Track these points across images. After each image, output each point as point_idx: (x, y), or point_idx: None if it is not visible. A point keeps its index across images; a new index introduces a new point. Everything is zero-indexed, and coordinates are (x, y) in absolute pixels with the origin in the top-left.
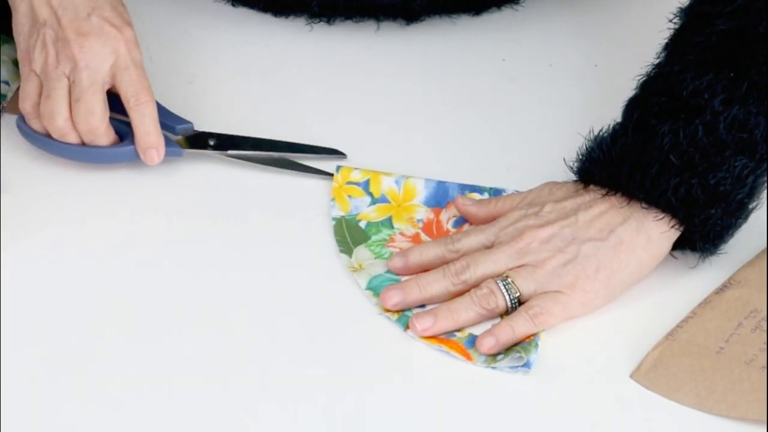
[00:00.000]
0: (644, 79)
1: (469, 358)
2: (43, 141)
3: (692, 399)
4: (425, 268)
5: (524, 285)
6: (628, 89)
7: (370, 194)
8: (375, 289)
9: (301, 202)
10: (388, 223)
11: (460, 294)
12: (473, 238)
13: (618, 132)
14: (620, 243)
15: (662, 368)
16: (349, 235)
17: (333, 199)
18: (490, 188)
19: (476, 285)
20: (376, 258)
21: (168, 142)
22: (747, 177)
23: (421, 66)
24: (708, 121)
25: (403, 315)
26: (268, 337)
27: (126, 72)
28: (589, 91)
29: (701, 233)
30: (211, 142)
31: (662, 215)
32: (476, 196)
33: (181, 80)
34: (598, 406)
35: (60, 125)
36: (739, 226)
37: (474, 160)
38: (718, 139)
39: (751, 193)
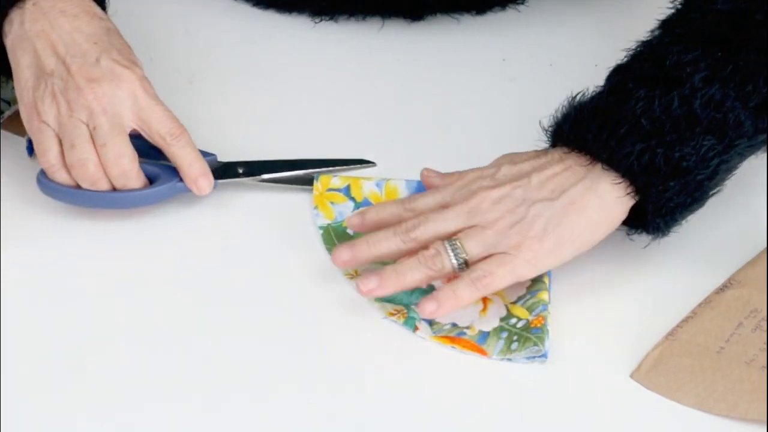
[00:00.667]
0: (632, 50)
1: (483, 353)
2: (72, 193)
3: (692, 399)
4: (382, 227)
5: (471, 246)
6: None
7: (353, 199)
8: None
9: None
10: None
11: (411, 253)
12: (429, 199)
13: (594, 95)
14: (571, 203)
15: (662, 368)
16: (339, 242)
17: (316, 207)
18: None
19: (426, 245)
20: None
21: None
22: (712, 158)
23: (422, 65)
24: (685, 95)
25: (409, 318)
26: (278, 349)
27: (151, 111)
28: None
29: (655, 205)
30: (240, 170)
31: (620, 180)
32: None
33: (181, 80)
34: (598, 406)
35: (91, 172)
36: (694, 209)
37: (473, 160)
38: (692, 114)
39: (713, 177)
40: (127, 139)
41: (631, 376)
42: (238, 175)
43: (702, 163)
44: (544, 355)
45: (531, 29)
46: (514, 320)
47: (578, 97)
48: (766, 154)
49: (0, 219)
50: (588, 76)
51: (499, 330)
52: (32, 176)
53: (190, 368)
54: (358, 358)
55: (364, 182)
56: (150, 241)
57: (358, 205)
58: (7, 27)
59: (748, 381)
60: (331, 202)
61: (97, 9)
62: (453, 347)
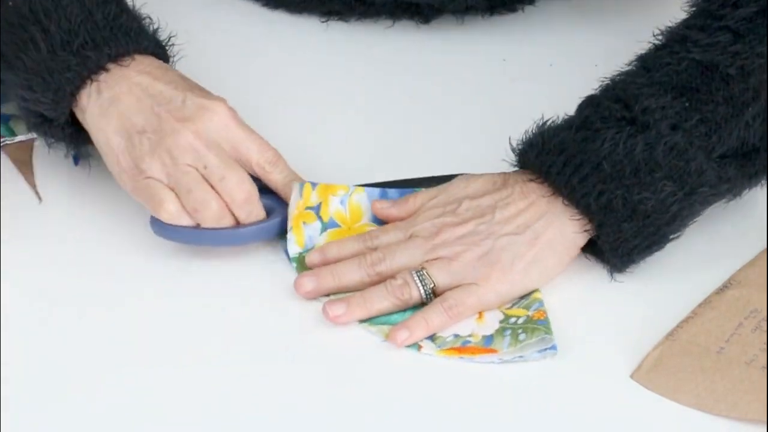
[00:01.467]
0: (607, 82)
1: (493, 351)
2: (194, 234)
3: (692, 399)
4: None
5: (439, 276)
6: None
7: (320, 219)
8: (373, 321)
9: None
10: None
11: (374, 284)
12: (391, 235)
13: (563, 125)
14: (536, 237)
15: (662, 368)
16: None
17: (291, 229)
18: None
19: (391, 276)
20: None
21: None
22: (671, 205)
23: (424, 66)
24: (650, 141)
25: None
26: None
27: (249, 141)
28: (590, 92)
29: (611, 245)
30: None
31: (579, 216)
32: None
33: None
34: (598, 406)
35: (215, 210)
36: (652, 251)
37: (474, 159)
38: (653, 160)
39: (671, 222)
40: (239, 166)
41: (631, 376)
42: None
43: (660, 207)
44: (554, 347)
45: (529, 30)
46: (513, 319)
47: (549, 123)
48: (765, 155)
49: (0, 219)
50: (588, 76)
51: (501, 330)
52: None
53: (191, 368)
54: (363, 378)
55: (332, 198)
56: (150, 241)
57: (324, 226)
58: (83, 101)
59: (748, 381)
60: (304, 222)
61: (164, 63)
62: (461, 357)
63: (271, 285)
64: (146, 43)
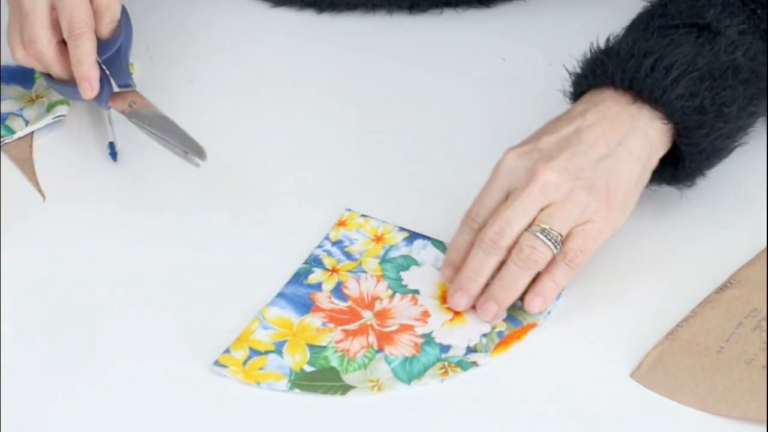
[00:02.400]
0: (657, 0)
1: (534, 325)
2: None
3: (692, 399)
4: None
5: (559, 226)
6: None
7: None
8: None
9: None
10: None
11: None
12: (488, 201)
13: (638, 36)
14: (630, 153)
15: (662, 368)
16: (323, 376)
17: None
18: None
19: (516, 243)
20: (370, 362)
21: (104, 92)
22: (747, 106)
23: (421, 63)
24: (728, 44)
25: (462, 363)
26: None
27: (61, 2)
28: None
29: (692, 150)
30: (132, 106)
31: (668, 121)
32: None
33: (181, 80)
34: (598, 406)
35: (18, 57)
36: (722, 158)
37: (474, 159)
38: (735, 62)
39: (746, 127)
40: (41, 24)
41: (631, 376)
42: (127, 109)
43: (741, 111)
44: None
45: (529, 28)
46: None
47: (611, 39)
48: (765, 154)
49: (0, 219)
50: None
51: (510, 317)
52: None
53: (191, 368)
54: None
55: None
56: (154, 238)
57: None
58: None
59: (748, 381)
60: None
61: None
62: (517, 343)
63: (271, 286)
64: None
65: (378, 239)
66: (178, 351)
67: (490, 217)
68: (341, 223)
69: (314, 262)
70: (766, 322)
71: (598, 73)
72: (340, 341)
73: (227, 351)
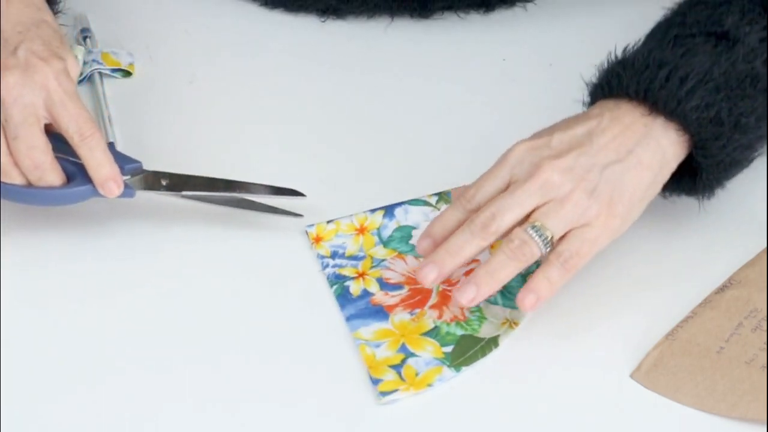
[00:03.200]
0: (676, 8)
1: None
2: None
3: (692, 399)
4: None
5: (554, 225)
6: None
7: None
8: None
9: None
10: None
11: (493, 246)
12: (487, 187)
13: (653, 45)
14: (639, 163)
15: (662, 368)
16: (467, 345)
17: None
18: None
19: (507, 233)
20: (484, 310)
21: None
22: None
23: (423, 65)
24: (747, 52)
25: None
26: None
27: (62, 107)
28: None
29: (710, 161)
30: (164, 182)
31: (683, 132)
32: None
33: (182, 80)
34: (598, 406)
35: (2, 162)
36: (742, 168)
37: (474, 159)
38: (754, 72)
39: (764, 137)
40: (40, 131)
41: (631, 376)
42: (160, 187)
43: (759, 121)
44: None
45: (529, 29)
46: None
47: (629, 48)
48: (766, 154)
49: (0, 219)
50: (588, 77)
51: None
52: None
53: (191, 368)
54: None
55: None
56: (154, 238)
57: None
58: None
59: (748, 381)
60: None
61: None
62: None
63: (274, 287)
64: None
65: (361, 230)
66: (181, 350)
67: (486, 203)
68: (317, 239)
69: (336, 278)
70: (766, 322)
71: (614, 84)
72: (441, 316)
73: (376, 381)
